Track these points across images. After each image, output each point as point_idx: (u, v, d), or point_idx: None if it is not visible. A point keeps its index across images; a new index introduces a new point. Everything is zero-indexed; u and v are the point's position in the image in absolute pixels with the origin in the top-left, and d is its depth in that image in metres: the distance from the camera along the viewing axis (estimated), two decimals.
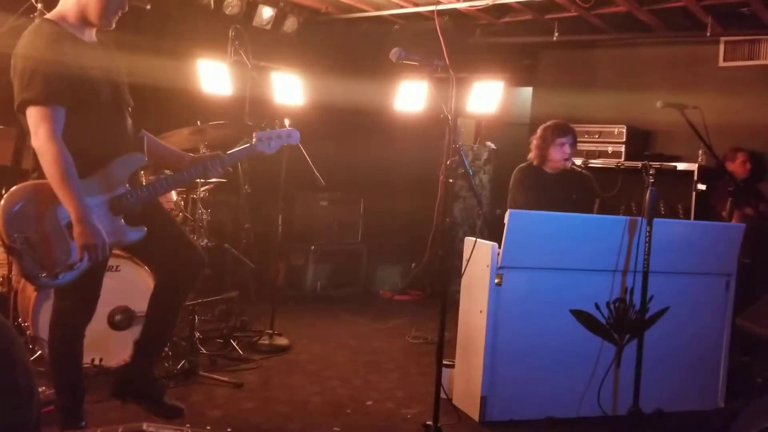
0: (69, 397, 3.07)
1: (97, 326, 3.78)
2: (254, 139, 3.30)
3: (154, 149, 3.24)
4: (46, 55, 2.75)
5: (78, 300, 3.02)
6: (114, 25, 2.97)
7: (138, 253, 3.31)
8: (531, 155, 4.70)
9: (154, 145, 3.26)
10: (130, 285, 4.03)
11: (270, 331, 5.14)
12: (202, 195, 5.13)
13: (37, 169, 2.82)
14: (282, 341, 5.14)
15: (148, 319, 3.30)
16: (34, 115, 2.73)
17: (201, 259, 3.26)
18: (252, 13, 6.35)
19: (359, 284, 7.43)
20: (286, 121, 3.39)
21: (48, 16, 2.93)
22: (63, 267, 2.78)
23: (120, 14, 2.97)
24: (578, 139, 4.82)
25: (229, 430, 1.91)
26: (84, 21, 2.91)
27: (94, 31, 2.99)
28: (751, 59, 6.57)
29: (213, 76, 5.95)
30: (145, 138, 3.20)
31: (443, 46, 5.70)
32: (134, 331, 4.01)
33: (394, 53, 3.49)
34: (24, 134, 2.98)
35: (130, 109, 3.13)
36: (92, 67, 2.90)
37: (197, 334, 4.61)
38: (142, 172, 3.49)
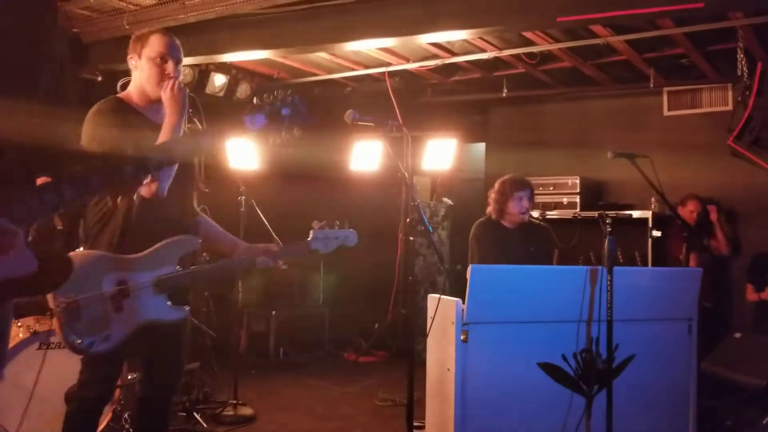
0: None
1: (53, 405, 3.67)
2: (310, 237, 3.26)
3: (209, 234, 3.25)
4: (106, 132, 2.81)
5: (100, 374, 2.98)
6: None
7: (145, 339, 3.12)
8: (489, 209, 4.74)
9: (210, 230, 3.27)
10: None
11: (234, 402, 5.02)
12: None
13: (89, 240, 2.89)
14: (247, 411, 5.01)
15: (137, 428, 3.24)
16: None
17: (179, 374, 3.26)
18: (204, 80, 6.36)
19: (323, 348, 7.33)
20: (347, 222, 3.36)
21: (116, 96, 3.03)
22: (99, 338, 2.79)
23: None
24: (533, 192, 4.88)
25: None
26: (147, 98, 2.99)
27: (163, 110, 2.99)
28: (694, 107, 6.79)
29: None
30: (202, 222, 3.23)
31: (395, 106, 5.79)
32: None
33: (348, 115, 3.52)
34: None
35: (195, 192, 3.20)
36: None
37: None
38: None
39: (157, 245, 2.92)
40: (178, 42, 3.05)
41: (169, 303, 2.95)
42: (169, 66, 2.98)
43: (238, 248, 3.22)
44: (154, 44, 2.98)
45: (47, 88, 1.72)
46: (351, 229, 3.37)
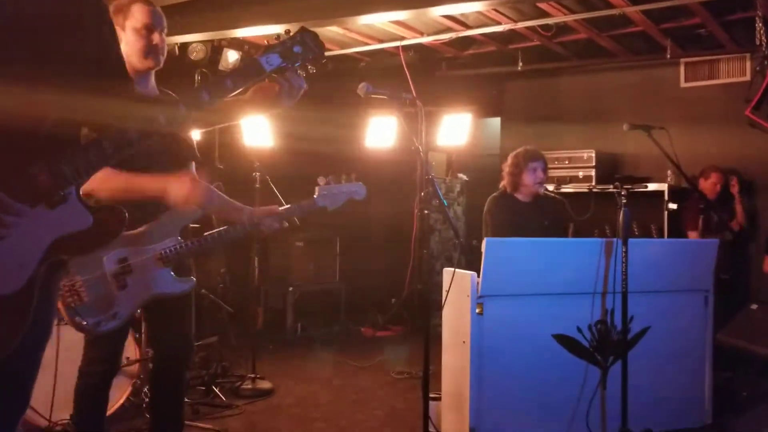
0: None
1: (72, 381, 3.71)
2: (316, 194, 3.17)
3: (213, 200, 3.14)
4: None
5: (105, 348, 3.00)
6: (162, 64, 2.93)
7: (150, 313, 3.17)
8: (503, 183, 4.73)
9: (213, 197, 3.16)
10: None
11: (252, 376, 5.07)
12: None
13: None
14: (265, 385, 5.06)
15: (152, 405, 3.28)
16: None
17: (190, 347, 3.21)
18: (217, 57, 6.36)
19: (340, 323, 7.38)
20: (353, 175, 3.25)
21: None
22: (105, 317, 2.79)
23: (164, 54, 2.93)
24: (548, 166, 4.87)
25: None
26: (133, 70, 2.84)
27: (151, 82, 2.96)
28: (711, 79, 6.72)
29: None
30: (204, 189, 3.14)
31: (410, 81, 5.77)
32: (113, 384, 3.91)
33: (361, 88, 3.50)
34: None
35: (192, 161, 3.12)
36: None
37: None
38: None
39: (158, 219, 2.89)
40: (159, 9, 2.93)
41: (173, 275, 2.93)
42: (156, 36, 2.88)
43: (242, 214, 3.12)
44: (138, 14, 2.85)
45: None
46: (358, 182, 3.25)
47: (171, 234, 2.93)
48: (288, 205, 3.15)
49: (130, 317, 2.87)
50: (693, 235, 5.78)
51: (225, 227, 3.09)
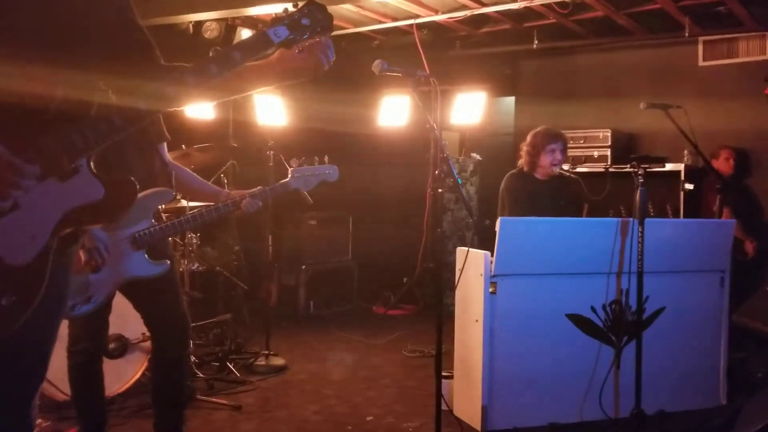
0: (89, 422, 3.12)
1: None
2: (289, 176, 3.21)
3: (185, 183, 3.22)
4: None
5: (88, 326, 3.04)
6: None
7: (133, 296, 3.17)
8: (521, 161, 4.70)
9: (186, 179, 3.23)
10: (122, 312, 3.96)
11: (266, 352, 5.10)
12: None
13: None
14: (278, 361, 5.09)
15: (153, 386, 3.28)
16: None
17: (185, 325, 3.20)
18: (231, 36, 6.33)
19: (352, 301, 7.40)
20: (326, 157, 3.30)
21: None
22: (80, 299, 2.80)
23: None
24: (566, 144, 4.81)
25: None
26: None
27: None
28: (730, 57, 6.63)
29: None
30: (176, 173, 3.17)
31: (423, 59, 5.73)
32: (129, 359, 3.97)
33: (376, 65, 3.49)
34: None
35: (163, 141, 3.12)
36: None
37: (193, 359, 4.59)
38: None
39: None
40: None
41: (147, 258, 2.92)
42: None
43: (219, 196, 3.17)
44: None
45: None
46: (331, 165, 3.29)
47: (143, 217, 2.91)
48: (263, 188, 3.20)
49: (105, 300, 2.89)
50: (714, 211, 5.73)
51: (201, 210, 3.08)
